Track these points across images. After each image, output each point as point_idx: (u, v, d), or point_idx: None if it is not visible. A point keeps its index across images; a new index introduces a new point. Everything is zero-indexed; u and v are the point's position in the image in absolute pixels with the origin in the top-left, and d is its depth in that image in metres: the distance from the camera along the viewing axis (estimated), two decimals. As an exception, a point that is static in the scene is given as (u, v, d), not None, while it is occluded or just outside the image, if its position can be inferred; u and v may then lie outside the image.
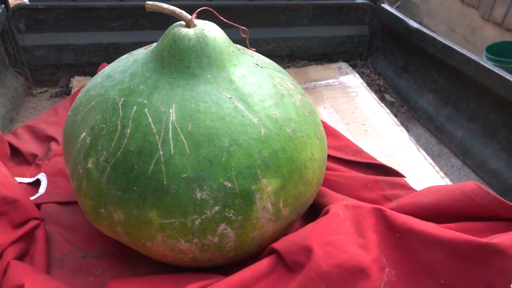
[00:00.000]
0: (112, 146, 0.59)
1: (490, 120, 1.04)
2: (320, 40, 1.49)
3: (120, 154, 0.58)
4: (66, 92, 1.29)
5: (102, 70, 0.72)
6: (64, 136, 0.69)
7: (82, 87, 0.99)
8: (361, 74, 1.52)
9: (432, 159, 1.12)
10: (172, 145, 0.57)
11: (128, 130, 0.59)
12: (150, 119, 0.59)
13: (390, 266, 0.59)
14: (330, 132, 1.10)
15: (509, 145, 0.98)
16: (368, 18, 1.50)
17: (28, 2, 1.21)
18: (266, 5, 1.38)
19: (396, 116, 1.32)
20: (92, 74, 1.31)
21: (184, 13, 0.63)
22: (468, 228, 0.62)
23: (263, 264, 0.62)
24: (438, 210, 0.67)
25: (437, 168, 0.99)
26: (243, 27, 0.72)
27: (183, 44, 0.61)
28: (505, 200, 0.58)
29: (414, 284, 0.56)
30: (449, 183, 0.96)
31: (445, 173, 1.07)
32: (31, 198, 0.85)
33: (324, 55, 1.54)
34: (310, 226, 0.64)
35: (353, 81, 1.37)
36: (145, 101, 0.60)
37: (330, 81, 1.37)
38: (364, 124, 1.16)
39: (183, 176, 0.57)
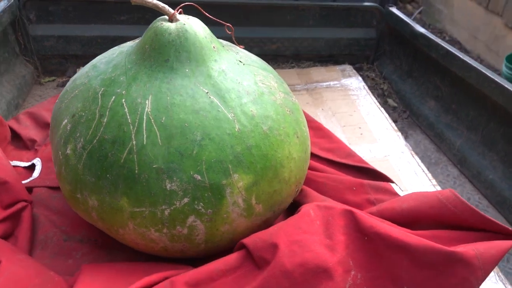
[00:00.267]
0: (89, 133, 0.61)
1: (489, 130, 1.01)
2: (326, 41, 1.48)
3: (96, 142, 0.60)
4: (73, 82, 1.33)
5: (91, 61, 0.74)
6: (51, 123, 0.72)
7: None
8: (366, 78, 1.50)
9: (428, 167, 1.10)
10: (145, 135, 0.59)
11: (105, 119, 0.61)
12: (126, 109, 0.60)
13: (356, 269, 0.58)
14: (324, 134, 1.10)
15: (506, 156, 0.96)
16: (376, 21, 1.48)
17: None
18: (272, 5, 1.38)
19: (396, 122, 1.30)
20: (98, 65, 1.35)
21: (167, 7, 0.64)
22: (440, 236, 0.61)
23: (232, 258, 0.62)
24: (414, 216, 0.66)
25: (430, 175, 0.98)
26: (228, 24, 0.73)
27: (163, 38, 0.63)
28: (478, 210, 0.57)
29: (377, 289, 0.55)
30: (440, 191, 0.94)
31: (440, 182, 1.05)
32: (25, 181, 0.89)
33: (330, 57, 1.53)
34: (280, 224, 0.64)
35: (355, 84, 1.35)
36: (123, 92, 0.62)
37: (331, 83, 1.36)
38: (360, 128, 1.14)
39: (154, 166, 0.58)
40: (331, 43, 1.48)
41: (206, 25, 0.69)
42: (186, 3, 0.67)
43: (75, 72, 1.37)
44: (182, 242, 0.63)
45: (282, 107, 0.69)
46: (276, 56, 1.49)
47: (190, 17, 0.67)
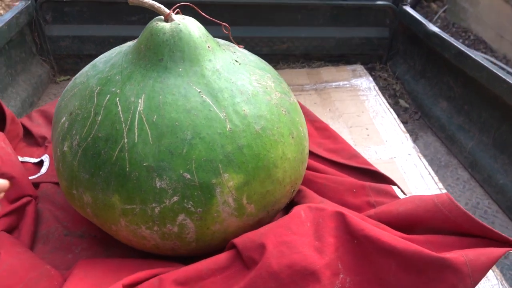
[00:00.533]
0: (84, 131, 0.62)
1: (501, 133, 0.97)
2: (336, 41, 1.46)
3: (90, 140, 0.62)
4: (86, 81, 1.37)
5: (93, 60, 0.76)
6: (52, 121, 0.74)
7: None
8: (378, 78, 1.47)
9: (438, 170, 1.07)
10: (136, 134, 0.60)
11: (99, 117, 0.62)
12: (119, 108, 0.61)
13: (345, 272, 0.57)
14: (330, 134, 1.08)
15: (519, 160, 0.92)
16: (389, 20, 1.45)
17: None
18: (282, 4, 1.37)
19: (407, 123, 1.27)
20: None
21: (162, 7, 0.65)
22: (434, 241, 0.59)
23: (221, 257, 0.62)
24: (410, 220, 0.65)
25: (436, 178, 0.95)
26: (224, 24, 0.73)
27: (158, 37, 0.63)
28: (473, 216, 0.55)
29: (365, 293, 0.54)
30: (446, 195, 0.91)
31: (449, 185, 1.02)
32: (32, 177, 0.92)
33: (341, 56, 1.50)
34: (271, 224, 0.64)
35: (365, 84, 1.33)
36: (118, 91, 0.63)
37: (341, 83, 1.34)
38: (367, 129, 1.12)
39: (144, 164, 0.59)
40: (342, 42, 1.46)
41: (207, 25, 0.69)
42: (182, 3, 0.67)
43: (88, 72, 1.40)
44: (173, 240, 0.64)
45: (278, 107, 0.68)
46: (287, 56, 1.48)
47: (186, 17, 0.67)
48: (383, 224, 0.67)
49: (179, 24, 0.64)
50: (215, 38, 0.75)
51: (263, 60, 0.79)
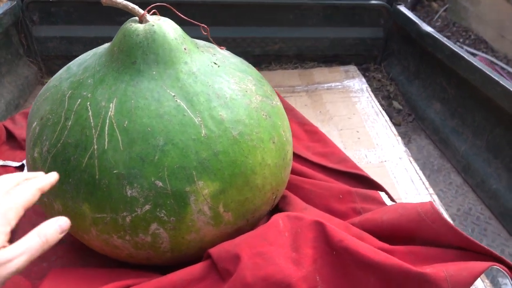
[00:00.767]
0: (54, 137, 0.60)
1: (495, 136, 0.95)
2: (330, 41, 1.43)
3: (60, 146, 0.59)
4: (74, 82, 1.35)
5: (69, 63, 0.73)
6: (26, 125, 0.72)
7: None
8: (372, 79, 1.44)
9: (430, 174, 1.04)
10: (106, 140, 0.57)
11: (70, 123, 0.60)
12: (90, 113, 0.59)
13: (323, 285, 0.55)
14: (319, 137, 1.06)
15: (512, 164, 0.89)
16: (383, 20, 1.42)
17: None
18: (274, 4, 1.35)
19: (400, 125, 1.24)
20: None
21: (137, 8, 0.62)
22: (416, 252, 0.56)
23: (197, 268, 0.60)
24: (393, 230, 0.62)
25: (427, 183, 0.92)
26: (203, 25, 0.70)
27: (131, 39, 0.61)
28: (456, 227, 0.52)
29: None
30: (436, 200, 0.88)
31: (441, 190, 0.99)
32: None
33: (335, 57, 1.48)
34: (247, 234, 0.61)
35: (357, 85, 1.30)
36: (89, 95, 0.61)
37: (333, 84, 1.31)
38: (358, 132, 1.10)
39: (114, 172, 0.57)
40: (336, 43, 1.43)
41: (188, 25, 0.67)
42: (158, 3, 0.65)
43: (76, 73, 1.38)
44: (146, 249, 0.62)
45: (258, 111, 0.66)
46: (279, 57, 1.46)
47: (162, 18, 0.65)
48: (366, 233, 0.65)
49: (153, 25, 0.62)
50: (196, 40, 0.73)
51: (245, 62, 0.76)
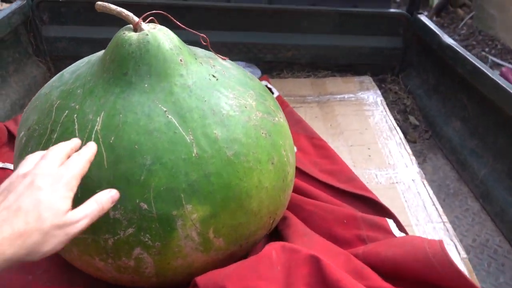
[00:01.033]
0: (39, 149, 0.57)
1: (518, 162, 0.87)
2: (345, 50, 1.37)
3: (43, 160, 0.56)
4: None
5: (64, 69, 0.70)
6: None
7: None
8: (388, 91, 1.37)
9: (446, 198, 0.97)
10: (91, 156, 0.54)
11: (55, 135, 0.56)
12: (76, 126, 0.56)
13: (316, 327, 0.50)
14: (328, 153, 1.00)
15: (536, 194, 0.81)
16: (403, 29, 1.35)
17: None
18: (287, 9, 1.30)
19: (416, 142, 1.17)
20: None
21: (131, 15, 0.59)
22: (422, 298, 0.51)
23: (182, 297, 0.56)
24: (397, 268, 0.57)
25: (440, 210, 0.85)
26: (202, 35, 0.66)
27: (123, 49, 0.57)
28: (465, 274, 0.46)
29: None
30: (450, 230, 0.81)
31: (456, 216, 0.92)
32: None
33: (350, 66, 1.42)
34: (238, 264, 0.57)
35: (372, 98, 1.24)
36: (77, 106, 0.57)
37: (346, 95, 1.25)
38: (369, 149, 1.04)
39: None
40: (351, 51, 1.37)
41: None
42: (154, 11, 0.61)
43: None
44: (130, 274, 0.58)
45: (257, 129, 0.61)
46: (291, 64, 1.40)
47: (159, 26, 0.61)
48: (368, 268, 0.59)
49: (147, 34, 0.58)
50: (197, 49, 0.69)
51: (249, 74, 0.71)
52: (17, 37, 1.21)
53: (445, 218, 0.84)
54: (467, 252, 0.79)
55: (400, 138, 1.07)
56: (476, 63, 0.98)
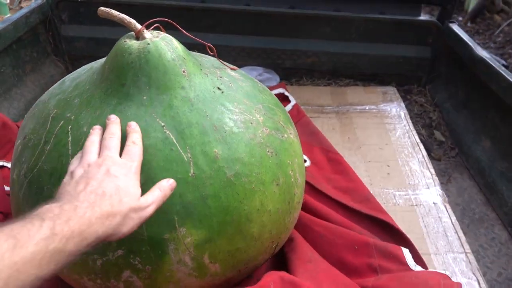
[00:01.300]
0: (32, 160, 0.55)
1: (554, 191, 0.79)
2: (369, 58, 1.30)
3: (36, 171, 0.54)
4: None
5: (66, 76, 0.68)
6: (18, 138, 0.68)
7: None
8: (413, 103, 1.30)
9: (470, 224, 0.90)
10: (82, 172, 0.51)
11: (48, 147, 0.54)
12: (70, 138, 0.53)
13: None
14: (343, 169, 0.95)
15: None
16: (432, 38, 1.27)
17: None
18: (309, 15, 1.24)
19: (440, 160, 1.09)
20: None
21: (133, 22, 0.55)
22: None
23: (172, 325, 0.52)
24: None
25: (463, 239, 0.78)
26: (209, 44, 0.62)
27: (122, 58, 0.54)
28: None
29: None
30: (473, 261, 0.74)
31: (481, 246, 0.85)
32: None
33: (373, 75, 1.35)
34: (233, 294, 0.53)
35: (395, 110, 1.17)
36: (73, 117, 0.54)
37: (367, 107, 1.19)
38: (388, 166, 0.97)
39: None
40: (376, 60, 1.30)
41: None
42: (158, 19, 0.57)
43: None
44: (119, 296, 0.55)
45: (262, 147, 0.57)
46: (312, 71, 1.35)
47: (163, 34, 0.57)
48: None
49: (148, 43, 0.54)
50: (204, 59, 0.65)
51: (259, 86, 0.67)
52: (35, 36, 1.21)
53: (467, 248, 0.77)
54: (491, 287, 0.72)
55: (423, 156, 1.00)
56: (512, 80, 0.90)
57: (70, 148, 0.52)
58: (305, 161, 0.98)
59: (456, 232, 0.80)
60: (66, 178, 0.44)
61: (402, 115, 1.15)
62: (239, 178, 0.53)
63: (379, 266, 0.67)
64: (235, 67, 0.69)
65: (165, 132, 0.52)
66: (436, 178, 0.94)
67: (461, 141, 1.11)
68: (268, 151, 0.57)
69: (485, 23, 2.83)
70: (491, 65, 0.98)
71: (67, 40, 1.31)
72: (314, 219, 0.77)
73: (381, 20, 1.25)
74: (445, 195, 0.89)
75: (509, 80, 0.91)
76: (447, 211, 0.85)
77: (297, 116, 1.12)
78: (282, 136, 0.61)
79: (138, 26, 0.56)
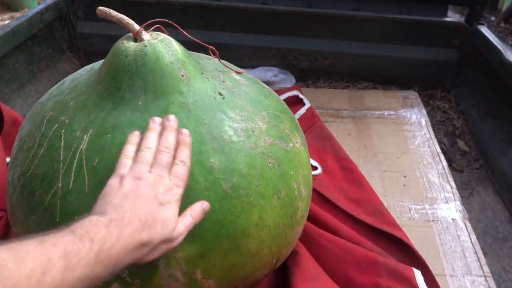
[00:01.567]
0: (25, 164, 0.53)
1: None
2: (391, 60, 1.24)
3: (28, 176, 0.52)
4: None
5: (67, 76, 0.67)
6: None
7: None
8: (436, 109, 1.23)
9: (492, 243, 0.84)
10: (72, 178, 0.49)
11: (41, 151, 0.52)
12: (62, 143, 0.51)
13: None
14: (356, 178, 0.90)
15: None
16: (459, 41, 1.20)
17: None
18: (328, 14, 1.19)
19: (463, 172, 1.03)
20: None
21: (131, 23, 0.53)
22: None
23: None
24: None
25: (483, 260, 0.73)
26: (211, 47, 0.59)
27: (118, 60, 0.52)
28: None
29: None
30: (493, 287, 0.69)
31: (503, 268, 0.79)
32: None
33: (394, 78, 1.28)
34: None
35: (415, 117, 1.11)
36: (67, 121, 0.53)
37: (386, 112, 1.13)
38: (405, 177, 0.92)
39: (76, 217, 0.48)
40: (397, 62, 1.24)
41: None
42: (157, 19, 0.54)
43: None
44: (108, 307, 0.53)
45: (263, 157, 0.53)
46: (329, 73, 1.30)
47: (162, 36, 0.54)
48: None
49: (145, 46, 0.52)
50: (209, 62, 0.62)
51: (266, 92, 0.63)
52: (51, 33, 1.22)
53: (487, 271, 0.71)
54: (512, 318, 0.66)
55: (444, 167, 0.94)
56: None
57: (62, 153, 0.50)
58: (316, 168, 0.94)
59: (476, 252, 0.74)
60: (114, 180, 0.42)
61: (423, 122, 1.09)
62: (237, 190, 0.50)
63: (388, 287, 0.63)
64: (241, 70, 0.65)
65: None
66: (457, 192, 0.88)
67: (487, 152, 1.04)
68: (269, 162, 0.54)
69: (518, 25, 2.69)
70: (522, 72, 0.91)
71: (82, 37, 1.31)
72: (322, 232, 0.73)
73: (404, 21, 1.19)
74: (465, 210, 0.83)
75: (541, 89, 0.84)
76: (466, 229, 0.79)
77: (311, 120, 1.08)
78: (286, 146, 0.58)
79: (137, 27, 0.53)
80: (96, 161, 0.49)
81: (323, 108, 1.15)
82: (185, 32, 0.57)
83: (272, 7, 1.21)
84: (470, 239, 0.77)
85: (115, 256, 0.36)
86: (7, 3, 2.66)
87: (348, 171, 0.92)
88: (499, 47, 1.03)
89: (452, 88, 1.27)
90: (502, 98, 1.06)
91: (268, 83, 1.30)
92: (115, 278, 0.49)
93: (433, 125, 1.12)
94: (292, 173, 0.57)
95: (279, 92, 1.16)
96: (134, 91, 0.51)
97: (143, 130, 0.50)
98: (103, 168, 0.48)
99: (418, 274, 0.63)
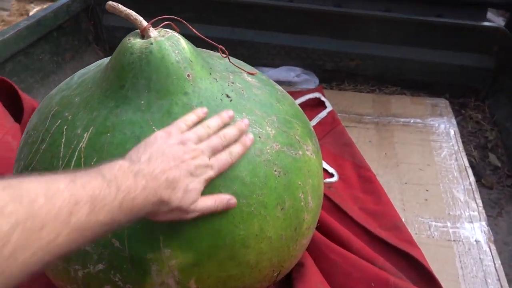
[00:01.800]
0: (28, 158, 0.53)
1: None
2: (421, 65, 1.18)
3: (30, 170, 0.52)
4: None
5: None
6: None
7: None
8: (468, 119, 1.15)
9: (519, 269, 0.77)
10: (70, 176, 0.48)
11: (44, 146, 0.52)
12: (63, 139, 0.50)
13: None
14: (373, 188, 0.86)
15: None
16: (498, 47, 1.11)
17: None
18: (356, 14, 1.14)
19: (492, 189, 0.95)
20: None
21: (139, 19, 0.51)
22: None
23: None
24: None
25: (506, 286, 0.67)
26: (221, 46, 0.57)
27: (124, 58, 0.51)
28: None
29: None
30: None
31: (529, 297, 0.72)
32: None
33: (424, 84, 1.21)
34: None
35: (443, 127, 1.04)
36: (70, 117, 0.52)
37: (412, 120, 1.07)
38: (427, 191, 0.86)
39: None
40: (428, 67, 1.17)
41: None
42: (165, 16, 0.52)
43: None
44: (101, 309, 0.52)
45: (268, 165, 0.51)
46: (354, 75, 1.25)
47: (170, 33, 0.52)
48: None
49: (151, 43, 0.50)
50: (220, 61, 0.59)
51: (279, 95, 0.60)
52: (77, 25, 1.23)
53: (510, 301, 0.66)
54: None
55: (471, 183, 0.87)
56: None
57: (62, 150, 0.50)
58: (332, 175, 0.90)
59: (499, 279, 0.68)
60: (161, 134, 0.44)
61: (452, 133, 1.02)
62: (237, 199, 0.48)
63: (397, 310, 0.58)
64: (255, 71, 0.63)
65: (159, 141, 0.48)
66: (483, 211, 0.81)
67: (521, 169, 0.96)
68: (275, 170, 0.51)
69: None
70: None
71: (108, 30, 1.32)
72: (331, 244, 0.70)
73: (437, 24, 1.11)
74: (491, 232, 0.77)
75: None
76: (491, 252, 0.73)
77: (332, 124, 1.04)
78: (295, 154, 0.55)
79: (145, 23, 0.52)
80: (94, 160, 0.48)
81: (345, 112, 1.11)
82: (194, 30, 0.54)
83: (298, 5, 1.16)
84: (494, 263, 0.71)
85: (137, 206, 0.37)
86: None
87: (366, 181, 0.88)
88: (541, 55, 0.95)
89: (487, 97, 1.18)
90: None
91: (290, 83, 1.26)
92: (107, 280, 0.48)
93: (463, 136, 1.05)
94: (299, 182, 0.54)
95: (301, 93, 1.12)
96: (138, 90, 0.50)
97: (142, 131, 0.48)
98: (100, 168, 0.47)
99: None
